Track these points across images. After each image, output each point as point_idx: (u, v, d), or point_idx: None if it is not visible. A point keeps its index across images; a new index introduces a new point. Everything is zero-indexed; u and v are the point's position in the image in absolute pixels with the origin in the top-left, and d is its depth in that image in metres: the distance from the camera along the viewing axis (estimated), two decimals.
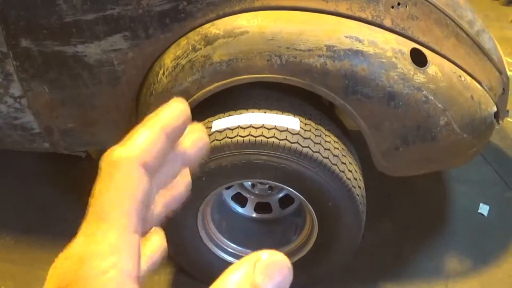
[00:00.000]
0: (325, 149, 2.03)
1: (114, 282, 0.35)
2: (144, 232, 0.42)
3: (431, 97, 2.06)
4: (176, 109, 0.45)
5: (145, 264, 0.43)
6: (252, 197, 2.56)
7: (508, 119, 3.47)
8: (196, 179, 2.02)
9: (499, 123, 2.31)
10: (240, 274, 0.36)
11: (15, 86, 2.30)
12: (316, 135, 2.05)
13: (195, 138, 0.49)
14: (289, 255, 2.39)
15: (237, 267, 0.37)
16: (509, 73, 2.45)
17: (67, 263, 0.37)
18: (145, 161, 0.41)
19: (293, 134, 2.00)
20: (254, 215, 2.58)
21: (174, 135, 0.45)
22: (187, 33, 2.13)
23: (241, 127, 2.01)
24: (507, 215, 2.94)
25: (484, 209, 2.94)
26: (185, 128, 0.46)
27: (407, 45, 2.09)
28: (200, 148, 0.49)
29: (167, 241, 0.46)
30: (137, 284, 0.37)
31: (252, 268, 0.36)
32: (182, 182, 0.49)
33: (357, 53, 1.99)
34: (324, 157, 2.01)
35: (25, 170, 3.27)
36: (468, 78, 2.20)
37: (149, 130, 0.43)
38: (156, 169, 0.43)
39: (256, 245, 2.44)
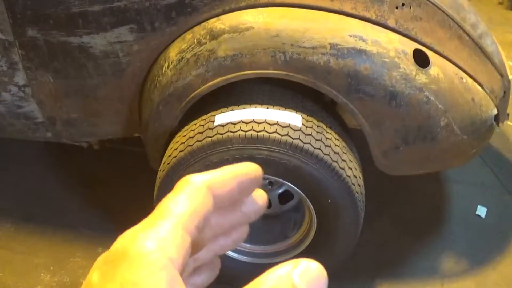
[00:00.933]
0: (326, 146, 2.05)
1: (158, 263, 0.38)
2: (194, 249, 0.45)
3: (432, 98, 2.07)
4: (250, 166, 0.50)
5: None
6: None
7: (508, 122, 3.49)
8: (198, 172, 2.05)
9: (499, 126, 2.32)
10: (280, 275, 0.38)
11: (20, 75, 2.32)
12: (317, 132, 2.06)
13: (258, 198, 0.53)
14: (287, 250, 2.41)
15: (276, 268, 0.39)
16: (510, 76, 2.47)
17: (120, 240, 0.41)
18: (214, 190, 0.46)
19: (295, 130, 2.01)
20: None
21: (245, 185, 0.49)
22: (192, 27, 2.15)
23: (243, 122, 2.02)
24: (505, 217, 2.96)
25: (481, 211, 2.96)
26: (255, 185, 0.50)
27: (410, 46, 2.11)
28: (260, 208, 0.53)
29: None
30: (180, 274, 0.39)
31: (292, 270, 0.38)
32: (237, 234, 0.54)
33: (360, 52, 2.01)
34: (324, 154, 2.02)
35: (27, 159, 3.28)
36: (470, 80, 2.22)
37: (224, 173, 0.48)
38: (222, 205, 0.47)
39: (254, 240, 2.46)
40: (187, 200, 0.43)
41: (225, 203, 0.48)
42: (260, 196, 0.53)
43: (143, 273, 0.37)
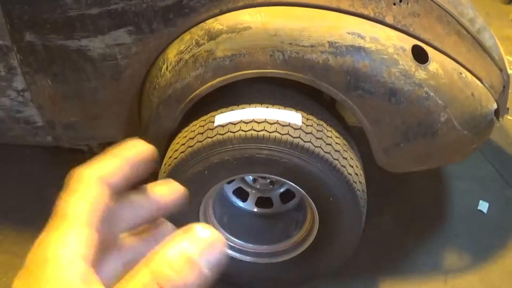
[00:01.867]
0: (327, 144, 2.04)
1: (68, 263, 0.39)
2: (106, 244, 0.46)
3: (432, 94, 2.07)
4: (139, 144, 0.50)
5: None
6: (254, 191, 2.57)
7: (508, 117, 3.49)
8: (199, 173, 2.04)
9: (499, 120, 2.32)
10: (175, 249, 0.38)
11: (19, 79, 2.32)
12: (317, 130, 2.06)
13: (172, 188, 0.53)
14: (290, 249, 2.41)
15: (171, 240, 0.39)
16: (509, 70, 2.47)
17: (30, 254, 0.41)
18: (107, 181, 0.46)
19: (295, 129, 2.01)
20: (255, 209, 2.59)
21: (138, 166, 0.49)
22: (190, 28, 2.14)
23: (243, 122, 2.02)
24: (506, 212, 2.96)
25: (483, 206, 2.96)
26: (150, 163, 0.50)
27: (409, 42, 2.11)
28: (176, 198, 0.53)
29: None
30: (93, 269, 0.40)
31: (186, 242, 0.38)
32: (158, 231, 0.53)
33: (359, 49, 2.01)
34: (325, 152, 2.02)
35: (28, 163, 3.28)
36: (469, 75, 2.22)
37: (114, 159, 0.48)
38: (118, 188, 0.47)
39: (257, 240, 2.46)
40: (83, 199, 0.43)
41: (123, 187, 0.48)
42: (174, 189, 0.53)
43: (55, 277, 0.38)
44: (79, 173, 0.45)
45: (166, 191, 0.52)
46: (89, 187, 0.44)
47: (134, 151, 0.49)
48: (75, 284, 0.38)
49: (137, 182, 0.50)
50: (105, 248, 0.45)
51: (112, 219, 0.46)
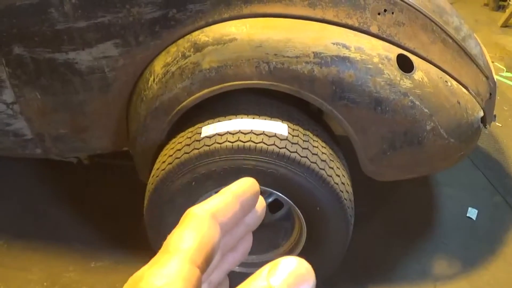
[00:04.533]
0: (313, 154, 2.06)
1: None
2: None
3: (417, 103, 2.09)
4: (248, 182, 0.49)
5: None
6: None
7: (497, 123, 3.51)
8: (186, 184, 2.05)
9: (486, 128, 2.34)
10: (258, 280, 0.37)
11: (8, 92, 2.33)
12: (304, 141, 2.07)
13: (260, 205, 0.52)
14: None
15: (256, 276, 0.38)
16: (497, 77, 2.49)
17: (130, 281, 0.41)
18: (219, 218, 0.45)
19: (281, 139, 2.02)
20: None
21: (247, 204, 0.48)
22: (176, 40, 2.16)
23: (230, 133, 2.03)
24: (496, 219, 2.97)
25: (472, 213, 2.97)
26: (256, 200, 0.50)
27: (394, 51, 2.12)
28: (261, 214, 0.52)
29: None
30: None
31: (267, 274, 0.38)
32: (243, 246, 0.53)
33: (344, 59, 2.02)
34: (311, 162, 2.03)
35: (18, 175, 3.29)
36: (455, 83, 2.23)
37: (224, 196, 0.47)
38: (228, 229, 0.47)
39: None
40: (192, 233, 0.43)
41: (232, 226, 0.47)
42: (259, 203, 0.52)
43: None
44: (193, 209, 0.45)
45: (256, 211, 0.52)
46: (201, 222, 0.44)
47: (243, 188, 0.48)
48: None
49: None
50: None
51: (217, 248, 0.45)
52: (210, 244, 0.43)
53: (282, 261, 0.38)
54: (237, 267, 2.41)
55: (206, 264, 0.43)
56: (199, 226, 0.43)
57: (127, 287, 0.40)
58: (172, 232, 0.43)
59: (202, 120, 2.15)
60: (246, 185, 0.49)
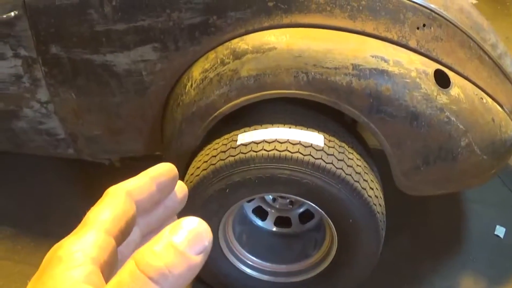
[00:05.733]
0: (348, 166, 2.05)
1: (77, 262, 0.41)
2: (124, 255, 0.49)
3: (453, 118, 2.08)
4: (166, 166, 0.52)
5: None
6: (273, 211, 2.57)
7: None
8: (220, 191, 2.06)
9: None
10: (163, 242, 0.39)
11: (43, 91, 2.35)
12: (339, 152, 2.07)
13: (179, 188, 0.55)
14: (308, 269, 2.41)
15: (159, 235, 0.40)
16: None
17: (50, 251, 0.44)
18: (134, 196, 0.48)
19: (317, 150, 2.02)
20: (274, 229, 2.59)
21: (163, 186, 0.51)
22: (215, 47, 2.17)
23: (266, 141, 2.03)
24: None
25: (500, 231, 2.95)
26: (173, 183, 0.52)
27: (431, 66, 2.12)
28: (182, 199, 0.55)
29: None
30: (103, 273, 0.42)
31: (173, 234, 0.40)
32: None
33: (382, 72, 2.02)
34: (346, 174, 2.03)
35: (49, 173, 3.30)
36: (490, 100, 2.23)
37: (142, 178, 0.50)
38: (145, 209, 0.50)
39: (275, 259, 2.47)
40: (108, 208, 0.46)
41: (148, 205, 0.50)
42: (180, 188, 0.54)
43: (62, 275, 0.40)
44: (110, 189, 0.48)
45: (175, 195, 0.54)
46: (116, 199, 0.47)
47: (161, 171, 0.51)
48: (78, 283, 0.40)
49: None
50: (123, 258, 0.47)
51: (132, 223, 0.48)
52: (124, 218, 0.46)
53: (183, 221, 0.40)
54: (265, 276, 2.42)
55: (121, 236, 0.46)
56: (115, 202, 0.47)
57: (47, 255, 0.43)
58: (91, 208, 0.46)
59: (238, 127, 2.15)
60: (163, 169, 0.51)
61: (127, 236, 0.47)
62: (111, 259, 0.44)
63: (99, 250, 0.43)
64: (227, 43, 2.15)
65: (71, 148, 2.56)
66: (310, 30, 2.11)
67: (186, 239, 0.39)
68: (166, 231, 0.40)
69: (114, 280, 0.40)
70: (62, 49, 2.22)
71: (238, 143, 2.07)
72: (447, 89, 2.10)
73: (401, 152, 2.14)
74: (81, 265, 0.41)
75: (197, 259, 0.40)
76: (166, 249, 0.39)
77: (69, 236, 0.44)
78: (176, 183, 0.53)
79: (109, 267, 0.44)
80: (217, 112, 2.12)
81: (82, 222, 0.45)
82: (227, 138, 2.13)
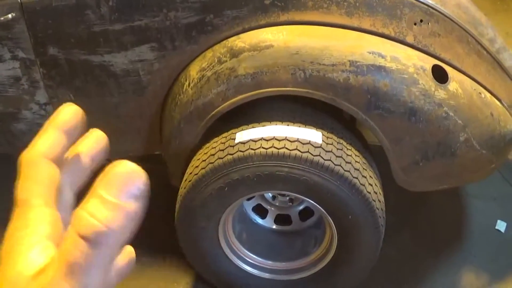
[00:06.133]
0: (347, 162, 2.05)
1: (31, 241, 0.41)
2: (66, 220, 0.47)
3: (451, 114, 2.08)
4: (67, 110, 0.51)
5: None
6: (273, 208, 2.58)
7: None
8: (219, 189, 2.06)
9: None
10: (93, 198, 0.39)
11: (41, 93, 2.34)
12: (338, 149, 2.07)
13: (96, 137, 0.55)
14: (308, 267, 2.41)
15: (90, 193, 0.39)
16: None
17: (4, 242, 0.43)
18: (51, 156, 0.48)
19: (315, 147, 2.02)
20: (274, 226, 2.60)
21: (74, 132, 0.50)
22: (213, 45, 2.17)
23: (264, 139, 2.04)
24: None
25: (501, 225, 2.94)
26: (83, 125, 0.52)
27: (429, 62, 2.12)
28: (104, 145, 0.55)
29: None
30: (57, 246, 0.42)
31: (103, 188, 0.39)
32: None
33: (379, 68, 2.02)
34: (345, 170, 2.03)
35: None
36: (488, 95, 2.22)
37: (49, 132, 0.49)
38: (61, 161, 0.49)
39: (275, 256, 2.47)
40: (36, 182, 0.45)
41: (62, 156, 0.49)
42: (100, 137, 0.55)
43: (23, 261, 0.41)
44: (25, 157, 0.47)
45: (94, 143, 0.54)
46: (38, 169, 0.46)
47: (64, 118, 0.50)
48: (39, 265, 0.40)
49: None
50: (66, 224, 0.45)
51: (60, 184, 0.48)
52: (54, 184, 0.46)
53: (110, 168, 0.39)
54: (266, 274, 2.42)
55: (59, 203, 0.46)
56: (39, 172, 0.46)
57: (2, 248, 0.43)
58: (16, 185, 0.46)
59: (236, 125, 2.16)
60: (67, 115, 0.50)
61: (64, 202, 0.48)
62: (63, 231, 0.43)
63: (50, 226, 0.43)
64: (224, 42, 2.15)
65: None
66: (307, 27, 2.11)
67: (115, 187, 0.38)
68: (95, 185, 0.39)
69: (59, 251, 0.39)
70: (59, 50, 2.22)
71: (236, 141, 2.07)
72: (445, 84, 2.09)
73: (400, 148, 2.13)
74: (39, 247, 0.41)
75: (133, 205, 0.38)
76: (98, 205, 0.38)
77: (12, 222, 0.43)
78: (84, 123, 0.51)
79: (61, 238, 0.43)
80: (215, 111, 2.12)
81: (16, 202, 0.45)
82: (225, 137, 2.13)
